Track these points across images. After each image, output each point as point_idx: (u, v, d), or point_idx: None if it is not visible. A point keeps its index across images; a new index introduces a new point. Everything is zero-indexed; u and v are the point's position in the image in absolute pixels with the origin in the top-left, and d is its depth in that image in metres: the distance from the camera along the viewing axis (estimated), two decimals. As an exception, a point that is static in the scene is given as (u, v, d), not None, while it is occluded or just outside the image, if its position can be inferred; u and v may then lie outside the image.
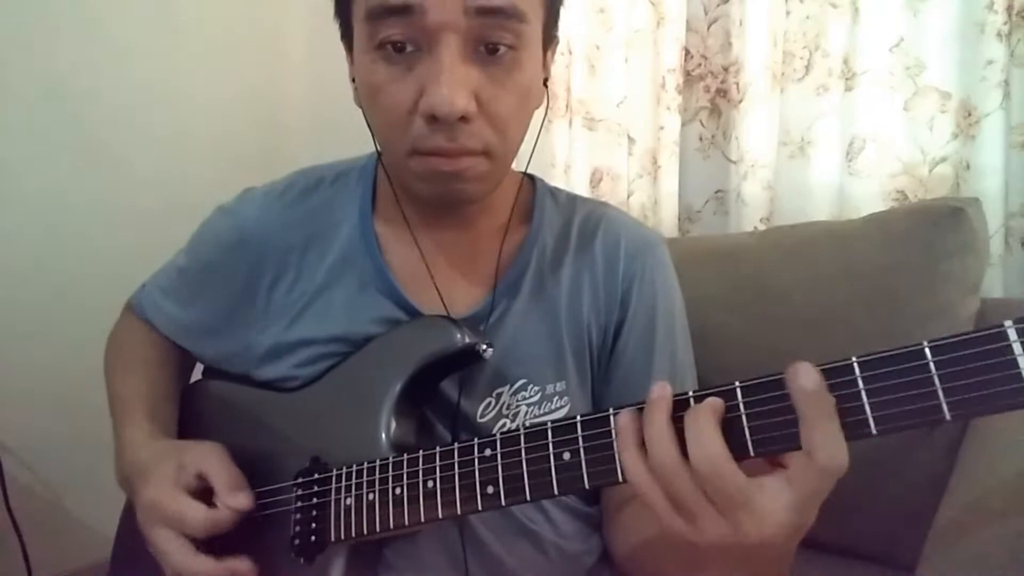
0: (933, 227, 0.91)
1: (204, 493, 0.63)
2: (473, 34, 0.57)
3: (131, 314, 0.86)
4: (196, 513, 0.61)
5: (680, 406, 0.46)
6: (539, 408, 0.69)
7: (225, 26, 1.61)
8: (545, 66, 0.68)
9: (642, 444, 0.46)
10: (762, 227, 1.28)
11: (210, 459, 0.64)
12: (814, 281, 0.98)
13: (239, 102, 1.65)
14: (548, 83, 0.70)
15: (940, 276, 0.90)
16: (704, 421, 0.44)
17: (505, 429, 0.67)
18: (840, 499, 0.89)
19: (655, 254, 0.76)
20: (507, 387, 0.69)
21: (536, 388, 0.69)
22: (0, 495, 1.20)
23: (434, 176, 0.61)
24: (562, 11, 0.68)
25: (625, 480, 0.48)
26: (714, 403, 0.45)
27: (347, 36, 0.65)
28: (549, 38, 0.66)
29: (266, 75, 1.70)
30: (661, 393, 0.46)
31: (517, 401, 0.68)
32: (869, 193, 1.20)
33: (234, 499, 0.61)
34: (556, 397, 0.69)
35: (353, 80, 0.66)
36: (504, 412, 0.68)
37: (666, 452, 0.44)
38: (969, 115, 1.11)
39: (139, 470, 0.66)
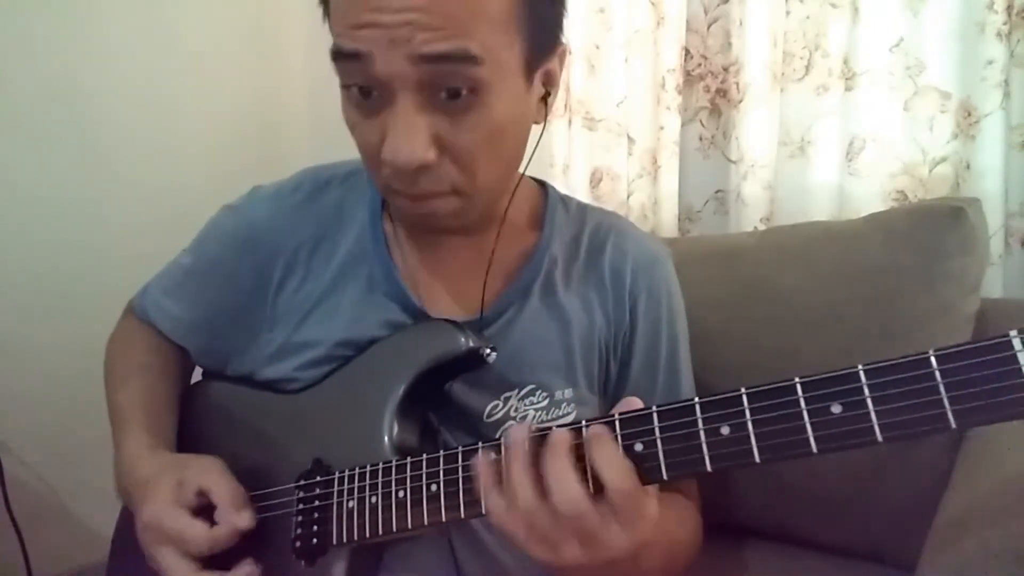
0: (933, 227, 0.91)
1: (205, 510, 0.62)
2: (427, 82, 0.55)
3: (132, 316, 0.85)
4: (197, 532, 0.60)
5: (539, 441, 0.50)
6: (547, 414, 0.69)
7: (223, 31, 1.60)
8: (551, 80, 0.65)
9: (502, 484, 0.50)
10: (762, 227, 1.28)
11: (210, 475, 0.63)
12: (814, 281, 0.98)
13: (237, 108, 1.64)
14: (550, 98, 0.66)
15: (940, 276, 0.90)
16: (561, 464, 0.48)
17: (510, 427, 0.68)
18: (840, 499, 0.92)
19: (662, 269, 0.77)
20: (515, 391, 0.69)
21: (544, 394, 0.69)
22: (0, 495, 1.20)
23: (407, 214, 0.64)
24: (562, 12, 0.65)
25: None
26: (562, 438, 0.49)
27: None
28: (539, 58, 0.62)
29: (264, 81, 1.70)
30: (516, 438, 0.50)
31: (525, 405, 0.69)
32: (869, 193, 1.20)
33: (236, 517, 0.61)
34: (564, 403, 0.70)
35: None
36: (512, 414, 0.69)
37: (528, 496, 0.48)
38: (969, 115, 1.11)
39: (138, 485, 0.65)
